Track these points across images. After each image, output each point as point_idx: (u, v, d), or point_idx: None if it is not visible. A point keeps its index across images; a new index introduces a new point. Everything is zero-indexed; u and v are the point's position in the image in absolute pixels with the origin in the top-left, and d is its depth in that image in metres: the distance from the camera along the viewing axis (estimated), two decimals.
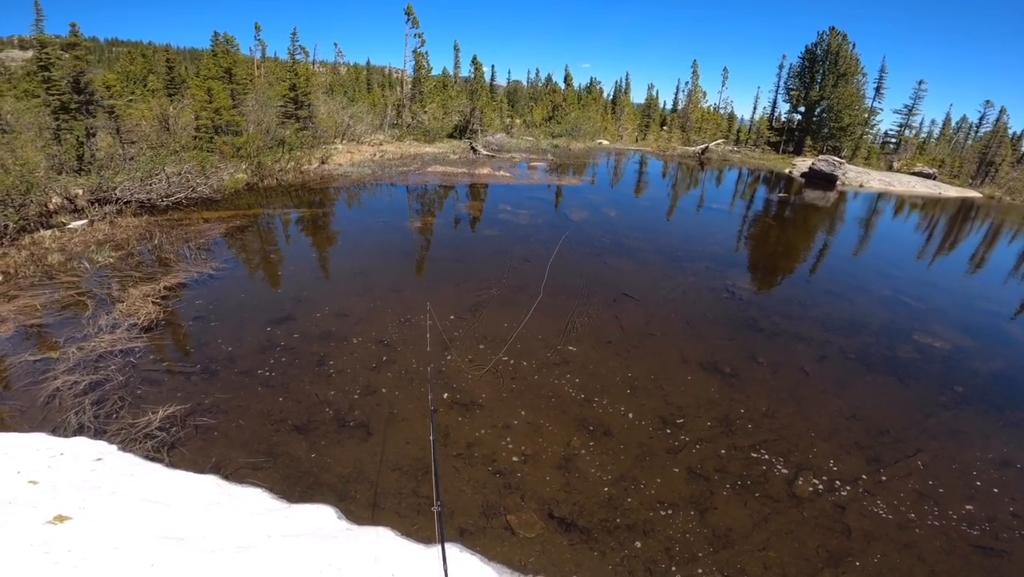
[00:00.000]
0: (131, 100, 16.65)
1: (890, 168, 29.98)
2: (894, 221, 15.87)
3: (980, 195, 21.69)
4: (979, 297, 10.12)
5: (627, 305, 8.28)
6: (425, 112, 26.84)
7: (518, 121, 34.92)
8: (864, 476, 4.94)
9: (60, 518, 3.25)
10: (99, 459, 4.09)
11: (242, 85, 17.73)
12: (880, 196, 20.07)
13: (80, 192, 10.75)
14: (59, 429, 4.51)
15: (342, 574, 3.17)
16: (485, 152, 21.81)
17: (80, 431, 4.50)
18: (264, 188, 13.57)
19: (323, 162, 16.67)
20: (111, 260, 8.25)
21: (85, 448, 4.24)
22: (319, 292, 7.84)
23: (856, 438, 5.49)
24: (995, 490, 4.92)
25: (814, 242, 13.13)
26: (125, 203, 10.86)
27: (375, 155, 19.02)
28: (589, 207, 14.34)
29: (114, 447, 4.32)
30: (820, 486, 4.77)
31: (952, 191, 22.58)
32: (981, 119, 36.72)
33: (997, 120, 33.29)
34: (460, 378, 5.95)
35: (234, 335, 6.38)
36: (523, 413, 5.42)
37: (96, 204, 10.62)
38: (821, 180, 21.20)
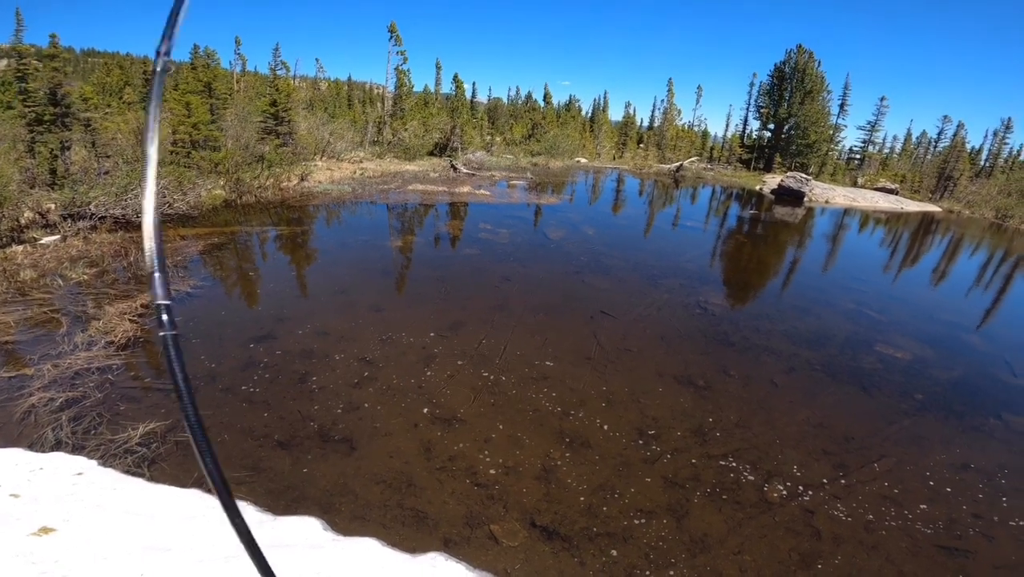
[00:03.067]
0: (107, 113, 16.41)
1: (855, 184, 31.18)
2: (859, 236, 16.59)
3: (940, 209, 22.77)
4: (939, 309, 10.66)
5: (604, 322, 8.54)
6: (406, 129, 27.00)
7: (498, 139, 35.43)
8: (831, 481, 5.17)
9: (45, 530, 3.25)
10: (80, 473, 4.07)
11: (222, 100, 17.65)
12: (846, 212, 20.96)
13: (52, 207, 10.55)
14: (36, 445, 4.46)
15: None
16: (465, 170, 22.10)
17: (58, 446, 4.46)
18: (242, 205, 13.49)
19: (303, 179, 16.65)
20: (85, 277, 8.13)
21: (64, 463, 4.20)
22: (300, 310, 7.88)
23: (823, 445, 5.74)
24: (955, 492, 5.18)
25: (783, 258, 13.70)
26: (100, 219, 10.69)
27: (355, 172, 19.08)
28: (568, 225, 14.67)
29: (94, 462, 4.28)
30: (789, 492, 4.97)
31: (913, 206, 23.65)
32: (939, 134, 37.97)
33: (955, 135, 34.15)
34: (440, 394, 6.07)
35: (215, 352, 6.37)
36: (502, 427, 5.55)
37: (69, 219, 10.43)
38: (790, 196, 22.06)
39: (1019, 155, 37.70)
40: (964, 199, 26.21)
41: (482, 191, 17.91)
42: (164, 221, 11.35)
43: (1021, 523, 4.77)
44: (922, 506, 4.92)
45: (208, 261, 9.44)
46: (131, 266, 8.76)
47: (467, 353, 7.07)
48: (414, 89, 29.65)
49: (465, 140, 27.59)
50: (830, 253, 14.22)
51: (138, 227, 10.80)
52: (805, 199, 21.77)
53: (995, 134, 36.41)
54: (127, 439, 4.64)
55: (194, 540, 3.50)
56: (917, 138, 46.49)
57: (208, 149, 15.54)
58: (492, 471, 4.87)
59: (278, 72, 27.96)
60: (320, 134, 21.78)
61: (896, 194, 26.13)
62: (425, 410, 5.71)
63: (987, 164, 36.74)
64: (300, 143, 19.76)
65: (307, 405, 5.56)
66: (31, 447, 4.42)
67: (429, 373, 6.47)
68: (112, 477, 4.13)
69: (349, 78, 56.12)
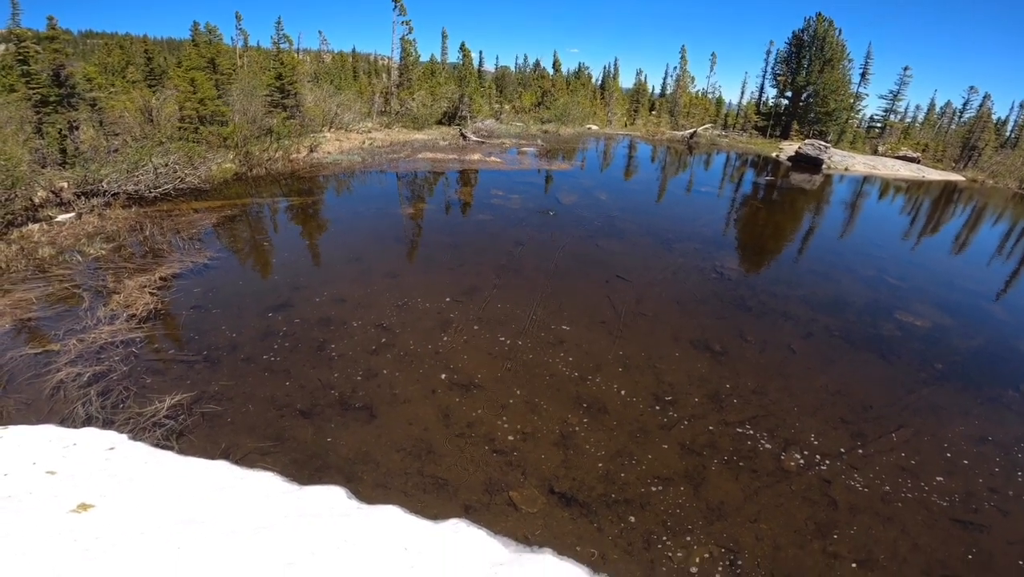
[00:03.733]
0: (112, 92, 16.31)
1: (875, 152, 30.27)
2: (879, 203, 16.12)
3: (963, 178, 22.05)
4: (960, 277, 10.39)
5: (619, 286, 8.46)
6: (413, 99, 26.52)
7: (507, 107, 34.64)
8: (848, 450, 5.11)
9: (83, 507, 3.35)
10: (112, 448, 4.18)
11: (226, 75, 17.45)
12: (865, 179, 20.35)
13: (65, 185, 10.61)
14: (67, 421, 4.58)
15: (358, 549, 3.32)
16: (475, 138, 21.73)
17: (88, 422, 4.57)
18: (253, 177, 13.46)
19: (312, 150, 16.51)
20: (103, 252, 8.22)
21: (96, 438, 4.29)
22: (316, 279, 7.91)
23: (840, 414, 5.67)
24: (972, 465, 5.09)
25: (800, 224, 13.37)
26: (113, 195, 10.75)
27: (364, 143, 18.86)
28: (579, 191, 14.43)
29: (124, 436, 4.39)
30: (806, 460, 4.93)
31: (935, 174, 22.91)
32: (965, 104, 37.05)
33: (981, 106, 33.42)
34: (457, 359, 6.09)
35: (234, 322, 6.45)
36: (519, 392, 5.57)
37: (83, 197, 10.50)
38: (807, 164, 21.46)
39: None
40: (988, 169, 25.29)
41: (492, 158, 17.63)
42: (177, 196, 11.38)
43: None
44: (939, 478, 4.86)
45: (222, 233, 9.48)
46: (147, 240, 8.83)
47: (483, 318, 7.07)
48: (420, 59, 28.88)
49: (474, 109, 27.01)
50: (849, 220, 13.83)
51: (151, 202, 10.85)
52: (823, 166, 21.13)
53: (1022, 106, 35.21)
54: (155, 412, 4.75)
55: (225, 512, 3.60)
56: (941, 108, 44.99)
57: (215, 124, 15.46)
58: (510, 437, 4.91)
59: (281, 46, 27.40)
60: (327, 106, 21.53)
61: (918, 163, 25.29)
62: (443, 376, 5.76)
63: (1013, 135, 35.72)
64: (307, 115, 19.56)
65: (327, 373, 5.63)
66: (63, 423, 4.52)
67: (446, 338, 6.50)
68: (143, 451, 4.23)
69: (353, 50, 55.00)
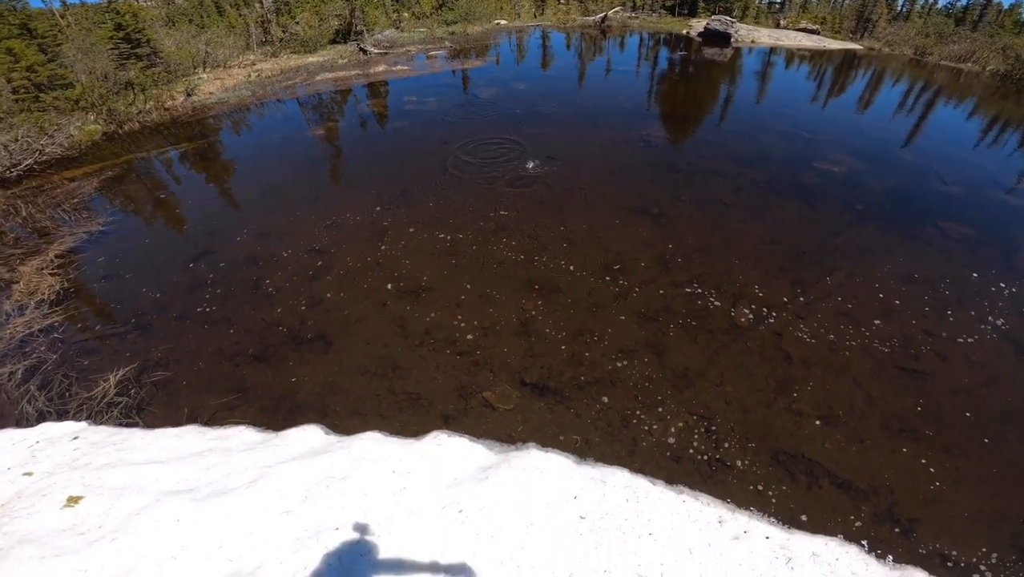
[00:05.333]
0: None
1: (777, 25, 30.58)
2: (787, 71, 16.49)
3: (861, 47, 22.89)
4: (869, 129, 10.87)
5: (551, 166, 8.37)
6: (297, 23, 23.53)
7: (406, 15, 31.28)
8: (791, 299, 5.35)
9: (72, 500, 3.24)
10: (76, 437, 3.98)
11: (50, 38, 14.95)
12: (771, 50, 20.82)
13: None
14: (22, 421, 4.23)
15: (347, 482, 3.36)
16: (376, 51, 19.80)
17: (42, 417, 4.25)
18: (127, 133, 11.79)
19: (189, 94, 14.61)
20: None
21: (56, 431, 4.08)
22: (230, 219, 7.28)
23: (778, 262, 5.95)
24: (904, 305, 5.34)
25: (717, 93, 13.49)
26: None
27: (250, 76, 16.74)
28: (498, 84, 13.77)
29: (84, 424, 4.16)
30: (755, 314, 5.12)
31: (835, 44, 23.70)
32: None
33: None
34: (400, 266, 5.93)
35: (154, 283, 5.93)
36: (470, 287, 5.55)
37: None
38: (716, 38, 21.91)
39: (935, 3, 37.76)
40: (884, 39, 26.37)
41: (399, 67, 16.27)
42: (43, 169, 9.82)
43: (968, 340, 4.94)
44: (876, 321, 5.09)
45: (110, 196, 8.37)
46: (27, 221, 7.70)
47: (418, 220, 6.84)
48: None
49: (369, 21, 24.28)
50: (761, 87, 14.11)
51: (16, 182, 9.34)
52: (732, 40, 21.63)
53: None
54: (104, 392, 4.43)
55: (210, 475, 3.51)
56: None
57: (58, 88, 13.43)
58: (470, 336, 4.90)
59: None
60: (194, 47, 18.89)
61: (818, 34, 26.00)
62: (389, 286, 5.62)
63: (904, 9, 37.15)
64: (171, 60, 17.20)
65: (269, 311, 5.36)
66: (18, 424, 4.19)
67: (384, 247, 6.28)
68: (108, 433, 4.04)
69: None
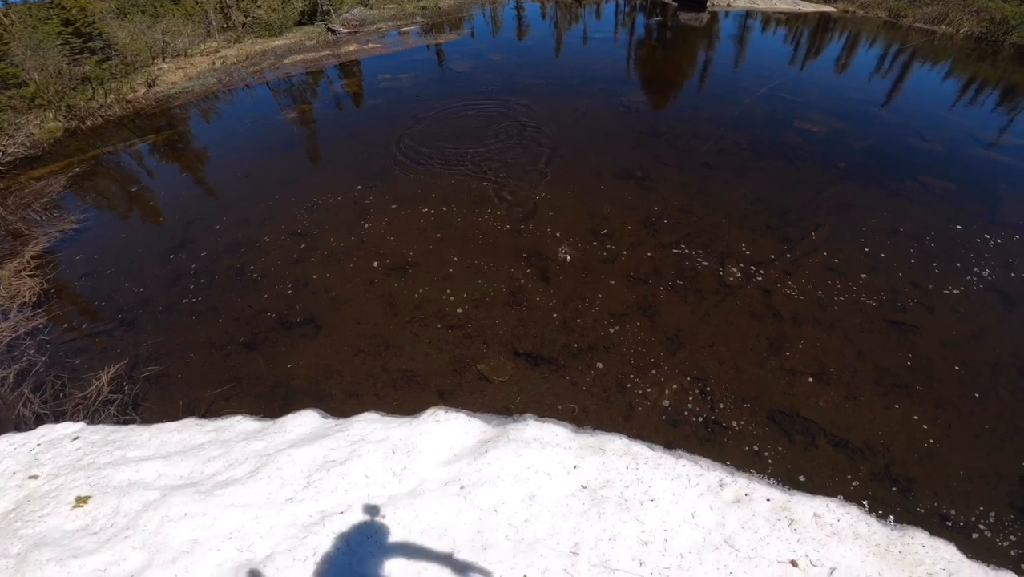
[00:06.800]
0: None
1: None
2: (763, 35, 16.38)
3: (836, 10, 22.80)
4: (846, 90, 10.75)
5: (533, 135, 8.27)
6: (259, 7, 22.66)
7: None
8: (778, 256, 5.34)
9: (81, 500, 3.24)
10: (76, 438, 3.97)
11: None
12: (748, 14, 20.68)
13: None
14: (21, 425, 4.19)
15: (348, 465, 3.35)
16: (346, 30, 19.16)
17: (40, 420, 4.20)
18: (90, 129, 11.38)
19: (151, 85, 14.10)
20: None
21: (56, 433, 4.06)
22: (207, 208, 7.10)
23: (764, 220, 5.93)
24: (890, 259, 5.32)
25: (696, 58, 13.32)
26: None
27: (214, 63, 16.14)
28: (473, 56, 13.47)
29: (82, 423, 4.13)
30: (743, 273, 5.10)
31: (810, 7, 23.53)
32: None
33: None
34: (385, 243, 5.86)
35: (136, 277, 5.79)
36: (456, 259, 5.50)
37: None
38: (693, 3, 21.82)
39: None
40: (858, 1, 26.21)
41: (371, 45, 15.86)
42: (6, 170, 9.45)
43: (954, 292, 4.92)
44: (863, 276, 5.06)
45: (81, 193, 8.10)
46: None
47: (400, 196, 6.74)
48: None
49: (335, 0, 23.41)
50: (739, 50, 13.97)
51: None
52: (708, 4, 21.46)
53: None
54: (98, 391, 4.37)
55: (212, 467, 3.50)
56: None
57: (12, 87, 12.92)
58: (460, 310, 4.85)
59: None
60: (149, 37, 18.17)
61: None
62: (375, 264, 5.56)
63: None
64: (127, 52, 16.56)
65: (256, 297, 5.28)
66: (17, 429, 4.14)
67: (367, 225, 6.20)
68: (107, 432, 4.02)
69: None
